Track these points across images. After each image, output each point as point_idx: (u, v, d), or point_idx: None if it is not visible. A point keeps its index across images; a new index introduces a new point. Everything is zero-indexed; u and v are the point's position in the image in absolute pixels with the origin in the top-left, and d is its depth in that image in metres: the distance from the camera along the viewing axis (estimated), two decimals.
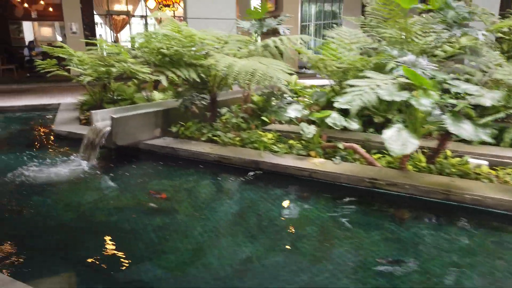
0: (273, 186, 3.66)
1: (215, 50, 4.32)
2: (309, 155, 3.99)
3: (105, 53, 6.18)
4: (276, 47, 4.51)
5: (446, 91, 3.22)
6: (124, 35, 20.08)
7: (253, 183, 3.69)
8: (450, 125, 2.88)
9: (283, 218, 3.12)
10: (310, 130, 3.75)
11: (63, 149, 4.77)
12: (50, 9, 15.87)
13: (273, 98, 4.72)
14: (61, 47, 5.40)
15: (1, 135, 5.47)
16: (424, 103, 2.87)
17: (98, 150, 4.20)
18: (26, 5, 15.41)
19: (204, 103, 4.48)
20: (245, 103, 5.17)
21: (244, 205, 3.32)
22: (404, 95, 2.88)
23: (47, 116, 6.75)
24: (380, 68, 4.14)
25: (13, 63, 12.22)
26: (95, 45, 5.97)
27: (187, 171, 4.07)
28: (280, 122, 5.00)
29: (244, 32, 6.29)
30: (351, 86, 3.13)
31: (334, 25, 24.27)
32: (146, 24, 18.71)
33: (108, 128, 4.24)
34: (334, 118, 3.76)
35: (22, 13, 15.61)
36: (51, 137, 5.27)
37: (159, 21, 18.81)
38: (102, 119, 4.50)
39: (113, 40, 18.31)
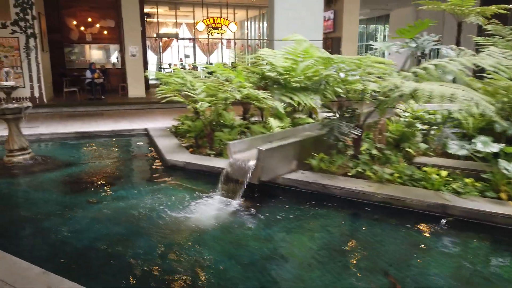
0: (486, 239, 3.01)
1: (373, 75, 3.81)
2: (499, 198, 3.34)
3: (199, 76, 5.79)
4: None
5: None
6: (167, 57, 20.21)
7: (455, 235, 3.05)
8: None
9: None
10: None
11: (190, 183, 4.27)
12: (105, 32, 15.99)
13: (426, 127, 4.13)
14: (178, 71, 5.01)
15: (108, 166, 5.03)
16: None
17: (244, 187, 3.67)
18: (82, 28, 15.57)
19: (356, 133, 3.93)
20: (380, 132, 4.59)
21: (473, 271, 2.68)
22: None
23: (139, 143, 6.35)
24: None
25: (75, 85, 12.15)
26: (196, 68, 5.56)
27: (355, 215, 3.48)
28: (427, 155, 4.39)
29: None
30: None
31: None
32: (194, 46, 18.71)
33: (253, 162, 3.72)
34: None
35: (78, 36, 15.78)
36: (164, 167, 4.79)
37: (207, 44, 18.81)
38: (239, 150, 4.01)
39: (161, 61, 18.40)
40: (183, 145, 5.55)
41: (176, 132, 6.43)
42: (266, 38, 19.33)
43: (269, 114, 5.12)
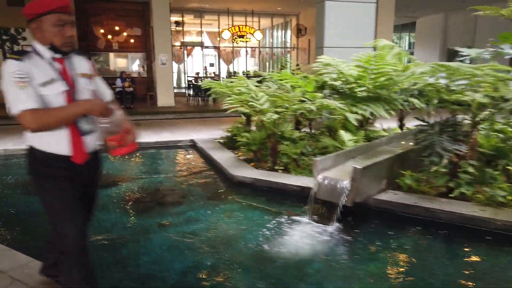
0: None
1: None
2: None
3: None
4: None
5: None
6: (189, 65, 19.99)
7: None
8: None
9: None
10: None
11: (264, 203, 3.85)
12: (131, 40, 15.84)
13: None
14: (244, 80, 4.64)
15: (167, 182, 4.64)
16: None
17: (339, 211, 3.24)
18: (109, 36, 15.45)
19: (461, 149, 3.47)
20: (473, 148, 4.12)
21: None
22: None
23: (189, 155, 5.98)
24: None
25: None
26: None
27: (473, 244, 3.00)
28: None
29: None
30: None
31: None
32: (218, 54, 18.44)
33: (347, 182, 3.29)
34: None
35: (104, 45, 15.66)
36: (229, 183, 4.39)
37: (230, 52, 18.54)
38: (324, 168, 3.59)
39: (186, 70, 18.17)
40: (240, 158, 5.17)
41: (226, 144, 6.06)
42: (287, 46, 19.00)
43: (340, 126, 4.69)
